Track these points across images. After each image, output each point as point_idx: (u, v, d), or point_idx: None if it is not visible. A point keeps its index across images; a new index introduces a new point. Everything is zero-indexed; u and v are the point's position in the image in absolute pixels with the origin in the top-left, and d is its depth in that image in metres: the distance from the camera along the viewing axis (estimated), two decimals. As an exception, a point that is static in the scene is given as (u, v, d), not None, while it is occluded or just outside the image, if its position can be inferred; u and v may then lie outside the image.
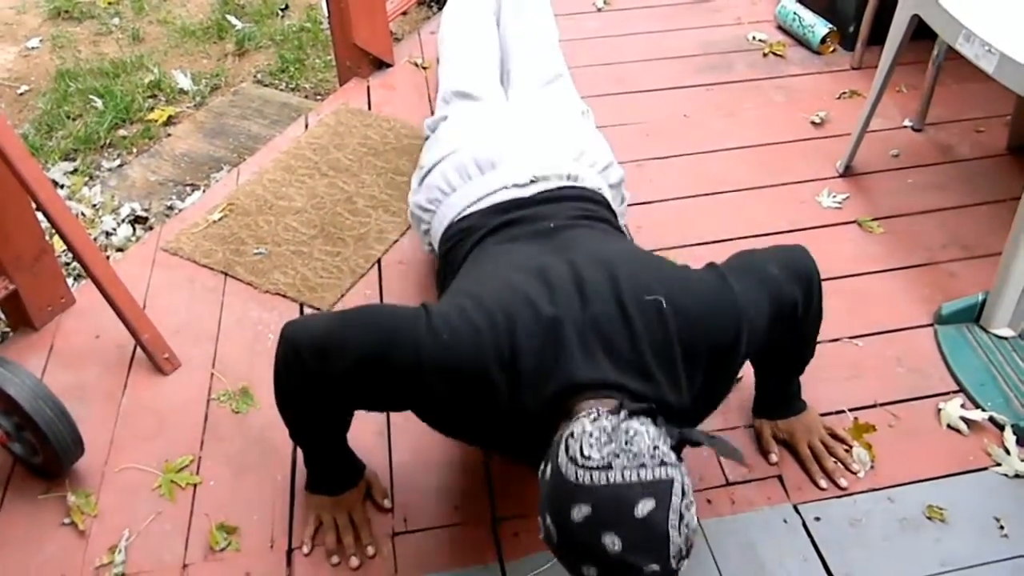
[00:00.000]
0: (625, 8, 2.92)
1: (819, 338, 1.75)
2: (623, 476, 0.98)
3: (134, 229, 2.34)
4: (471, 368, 1.15)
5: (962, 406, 1.63)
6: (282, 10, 3.31)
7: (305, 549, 1.46)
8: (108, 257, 2.22)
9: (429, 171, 1.69)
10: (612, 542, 0.96)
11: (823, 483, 1.53)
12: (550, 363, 1.14)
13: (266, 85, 2.91)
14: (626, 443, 1.00)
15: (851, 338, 1.78)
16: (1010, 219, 1.68)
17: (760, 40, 2.73)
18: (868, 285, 1.91)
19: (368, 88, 2.58)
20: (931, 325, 1.81)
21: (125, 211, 2.39)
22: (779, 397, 1.59)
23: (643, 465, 0.99)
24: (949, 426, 1.62)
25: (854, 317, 1.83)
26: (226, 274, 1.99)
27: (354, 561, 1.44)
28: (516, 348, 1.15)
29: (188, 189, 2.48)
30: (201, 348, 1.82)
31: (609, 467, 0.99)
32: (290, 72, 2.95)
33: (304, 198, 2.18)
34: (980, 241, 2.00)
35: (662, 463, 1.00)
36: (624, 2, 2.95)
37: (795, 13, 2.70)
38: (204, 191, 2.41)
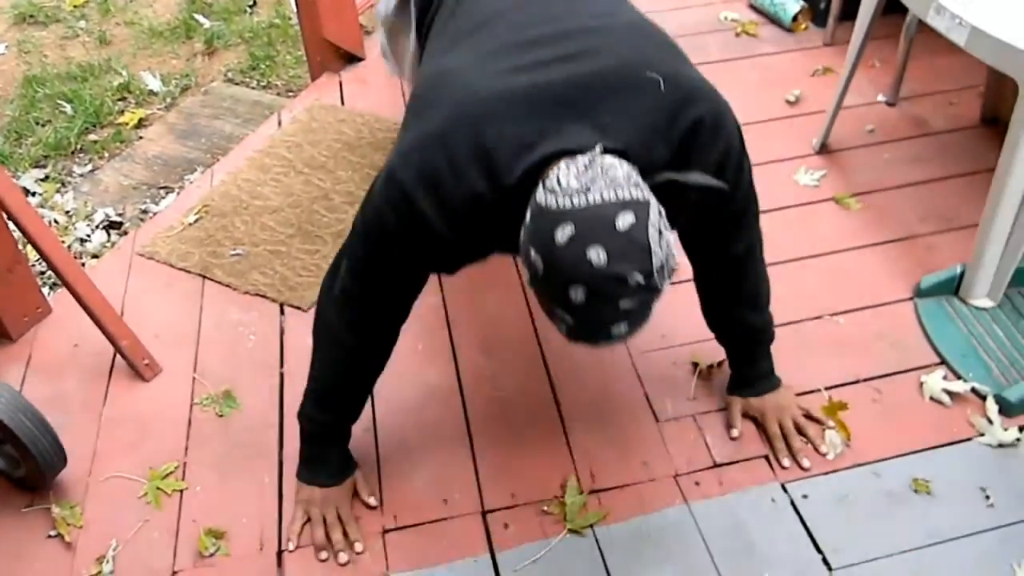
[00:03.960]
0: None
1: (801, 316, 1.78)
2: (602, 196, 1.01)
3: (109, 235, 2.32)
4: (444, 166, 1.13)
5: (944, 378, 1.64)
6: (250, 7, 3.27)
7: (290, 545, 1.46)
8: (83, 264, 2.20)
9: None
10: (598, 255, 0.99)
11: (786, 462, 1.53)
12: (530, 138, 1.11)
13: (237, 83, 2.88)
14: (602, 171, 1.04)
15: (832, 315, 1.79)
16: (986, 190, 1.69)
17: (732, 20, 2.72)
18: (847, 262, 1.92)
19: (340, 83, 2.56)
20: (911, 299, 1.82)
21: (99, 217, 2.36)
22: (751, 369, 1.58)
23: (620, 186, 1.02)
24: (932, 398, 1.62)
25: (835, 294, 1.83)
26: (204, 276, 1.97)
27: (343, 557, 1.43)
28: (488, 140, 1.12)
29: (162, 192, 2.45)
30: (181, 352, 1.80)
31: (588, 190, 1.02)
32: (261, 69, 2.92)
33: (280, 197, 2.16)
34: (957, 213, 2.01)
35: (637, 186, 1.04)
36: (595, -14, 2.93)
37: (766, -9, 2.70)
38: (178, 193, 2.39)
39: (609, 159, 1.06)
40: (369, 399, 1.67)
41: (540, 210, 1.04)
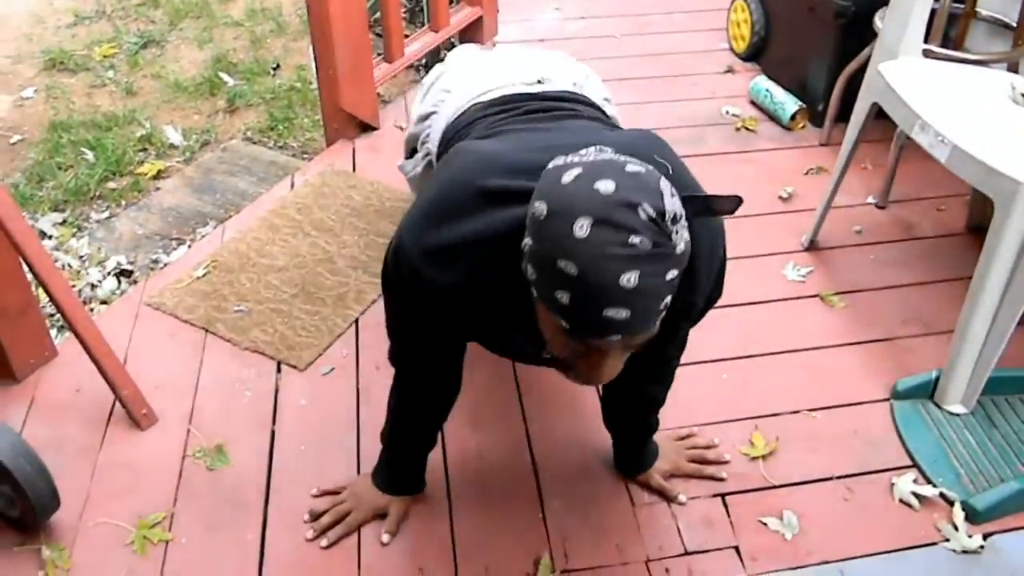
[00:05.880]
0: (605, 80, 3.02)
1: (780, 409, 1.83)
2: (613, 155, 1.01)
3: (119, 282, 2.39)
4: (448, 227, 1.15)
5: (914, 481, 1.69)
6: (273, 69, 3.41)
7: (315, 491, 1.66)
8: (92, 310, 2.27)
9: (433, 83, 1.78)
10: (606, 186, 0.95)
11: (723, 474, 1.70)
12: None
13: (255, 142, 2.99)
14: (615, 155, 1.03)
15: (810, 410, 1.85)
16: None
17: (733, 115, 2.83)
18: (828, 359, 1.98)
19: (354, 150, 2.66)
20: (888, 400, 1.88)
21: (111, 264, 2.44)
22: (641, 451, 1.67)
23: (631, 160, 1.01)
24: (901, 500, 1.67)
25: (813, 390, 1.89)
26: (207, 330, 2.04)
27: (323, 542, 1.58)
28: (490, 185, 1.14)
29: (174, 243, 2.54)
30: (179, 404, 1.86)
31: (599, 152, 1.02)
32: (279, 130, 3.03)
33: (286, 257, 2.24)
34: (938, 318, 2.08)
35: (650, 168, 1.01)
36: (604, 74, 3.04)
37: (767, 90, 2.81)
38: (189, 246, 2.47)
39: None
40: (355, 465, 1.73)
41: (546, 172, 1.02)
